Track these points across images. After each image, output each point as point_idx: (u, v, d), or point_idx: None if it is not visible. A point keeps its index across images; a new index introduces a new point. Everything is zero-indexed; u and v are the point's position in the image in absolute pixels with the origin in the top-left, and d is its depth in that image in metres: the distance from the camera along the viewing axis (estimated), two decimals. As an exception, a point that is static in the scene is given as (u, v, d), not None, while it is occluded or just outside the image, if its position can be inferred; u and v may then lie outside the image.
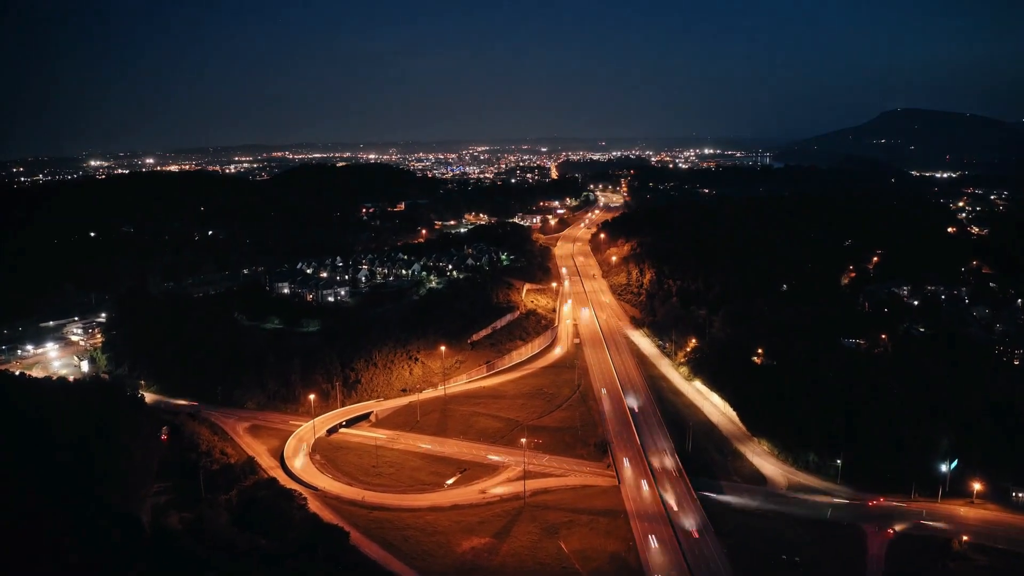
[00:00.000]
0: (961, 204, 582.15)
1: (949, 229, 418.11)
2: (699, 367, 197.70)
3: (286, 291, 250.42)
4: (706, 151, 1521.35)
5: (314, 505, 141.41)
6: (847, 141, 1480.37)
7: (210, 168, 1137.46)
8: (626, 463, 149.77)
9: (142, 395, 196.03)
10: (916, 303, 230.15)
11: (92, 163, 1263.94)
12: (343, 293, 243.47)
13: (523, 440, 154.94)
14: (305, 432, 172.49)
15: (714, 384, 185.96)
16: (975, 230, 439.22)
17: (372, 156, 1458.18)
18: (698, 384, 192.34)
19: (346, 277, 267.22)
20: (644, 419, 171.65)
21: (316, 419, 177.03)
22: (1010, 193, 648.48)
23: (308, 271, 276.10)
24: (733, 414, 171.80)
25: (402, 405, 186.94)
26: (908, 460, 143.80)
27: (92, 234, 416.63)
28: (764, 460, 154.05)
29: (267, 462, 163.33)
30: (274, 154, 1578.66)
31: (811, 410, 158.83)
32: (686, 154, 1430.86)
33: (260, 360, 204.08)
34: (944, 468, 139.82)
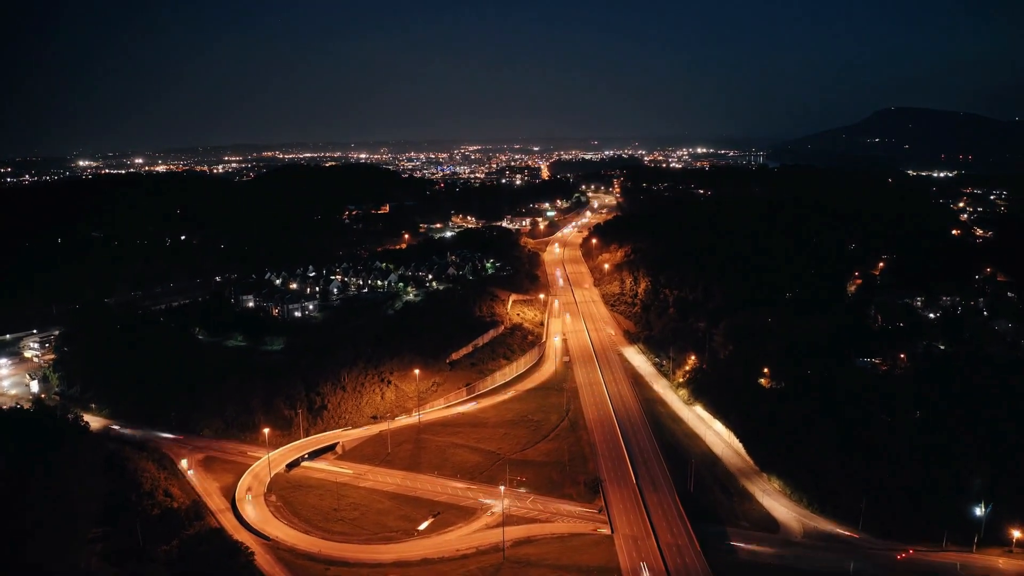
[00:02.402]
0: (961, 204, 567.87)
1: (953, 231, 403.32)
2: (700, 390, 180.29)
3: (251, 304, 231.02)
4: (699, 150, 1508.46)
5: (263, 560, 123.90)
6: (840, 140, 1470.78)
7: (198, 168, 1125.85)
8: (620, 507, 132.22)
9: (87, 423, 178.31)
10: (932, 316, 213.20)
11: (81, 163, 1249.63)
12: (311, 307, 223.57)
13: (502, 488, 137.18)
14: (262, 468, 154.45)
15: (717, 410, 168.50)
16: (980, 232, 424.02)
17: (363, 156, 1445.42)
18: (699, 409, 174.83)
19: (317, 289, 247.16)
20: (640, 451, 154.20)
21: (274, 452, 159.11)
22: (1010, 193, 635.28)
23: (277, 282, 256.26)
24: (739, 445, 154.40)
25: (372, 435, 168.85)
26: (938, 502, 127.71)
27: (59, 239, 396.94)
28: (775, 501, 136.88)
29: (217, 503, 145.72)
30: (264, 154, 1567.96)
31: (826, 442, 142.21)
32: (679, 153, 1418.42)
33: (219, 382, 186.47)
34: (979, 512, 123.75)
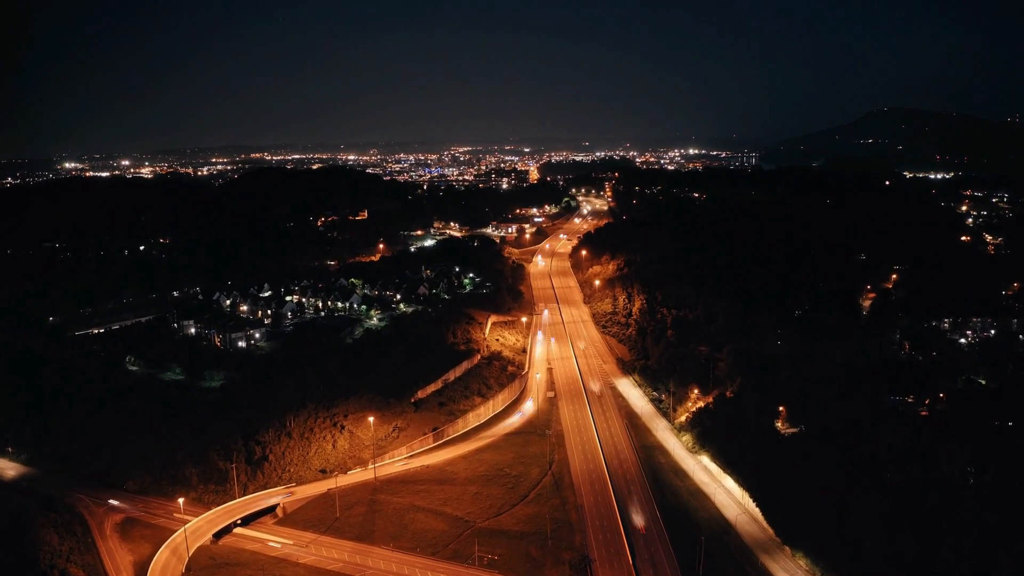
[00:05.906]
0: (964, 208, 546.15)
1: (963, 238, 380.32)
2: (706, 434, 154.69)
3: (192, 331, 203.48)
4: (691, 151, 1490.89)
5: None
6: (834, 141, 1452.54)
7: (183, 170, 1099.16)
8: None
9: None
10: (963, 341, 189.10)
11: (67, 165, 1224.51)
12: (257, 336, 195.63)
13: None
14: (190, 534, 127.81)
15: (727, 462, 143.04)
16: (990, 238, 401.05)
17: (352, 157, 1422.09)
18: (706, 460, 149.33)
19: (269, 312, 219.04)
20: (637, 518, 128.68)
21: (193, 521, 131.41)
22: (1011, 195, 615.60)
23: (226, 303, 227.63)
24: (756, 510, 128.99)
25: (319, 493, 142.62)
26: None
27: (8, 251, 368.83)
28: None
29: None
30: (252, 155, 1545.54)
31: (862, 509, 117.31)
32: (671, 154, 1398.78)
33: (147, 426, 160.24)
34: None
